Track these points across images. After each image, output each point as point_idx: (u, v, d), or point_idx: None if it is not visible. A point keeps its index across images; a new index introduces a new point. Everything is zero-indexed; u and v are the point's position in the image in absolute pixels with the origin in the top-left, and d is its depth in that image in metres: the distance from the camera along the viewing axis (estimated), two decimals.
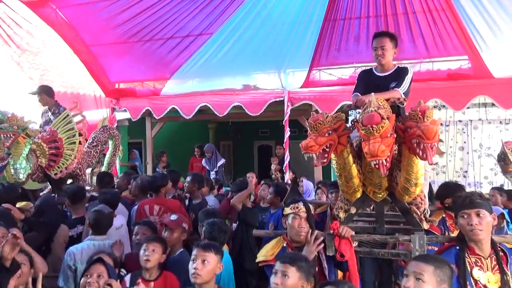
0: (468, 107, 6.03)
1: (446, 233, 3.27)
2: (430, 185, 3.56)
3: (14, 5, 5.26)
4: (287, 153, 6.42)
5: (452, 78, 5.57)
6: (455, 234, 3.29)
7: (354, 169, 2.65)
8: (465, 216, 2.14)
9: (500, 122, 6.57)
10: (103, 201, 3.62)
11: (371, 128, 2.22)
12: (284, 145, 6.54)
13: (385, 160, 2.22)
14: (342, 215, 2.87)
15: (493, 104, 5.87)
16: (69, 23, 5.68)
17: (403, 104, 2.83)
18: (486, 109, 6.52)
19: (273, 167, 7.51)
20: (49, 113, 5.06)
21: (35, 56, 6.02)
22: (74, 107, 5.03)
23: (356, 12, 5.44)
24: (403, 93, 2.86)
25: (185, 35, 6.07)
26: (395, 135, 2.38)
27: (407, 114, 2.50)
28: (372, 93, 2.53)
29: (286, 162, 6.41)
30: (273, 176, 7.28)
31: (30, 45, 5.89)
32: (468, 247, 2.16)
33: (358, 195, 2.81)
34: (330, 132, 2.50)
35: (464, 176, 6.64)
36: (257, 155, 12.89)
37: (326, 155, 2.51)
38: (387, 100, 2.67)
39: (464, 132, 6.73)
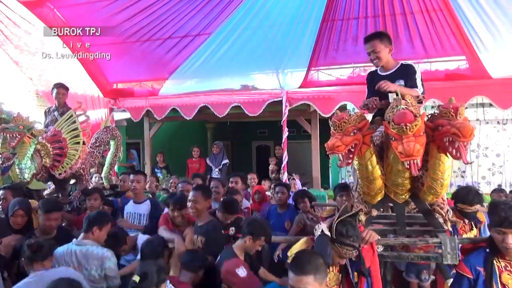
0: (466, 108, 6.04)
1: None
2: None
3: (12, 4, 5.26)
4: (285, 153, 6.42)
5: (450, 78, 5.58)
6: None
7: (377, 170, 2.55)
8: (501, 233, 2.04)
9: (498, 122, 6.59)
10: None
11: (404, 127, 2.13)
12: (282, 145, 6.53)
13: (418, 159, 2.15)
14: (362, 218, 2.75)
15: (490, 105, 5.89)
16: (67, 23, 5.66)
17: (421, 102, 2.78)
18: (484, 109, 6.54)
19: (271, 167, 7.53)
20: (56, 113, 5.09)
21: (33, 56, 6.02)
22: (78, 107, 5.04)
23: (354, 12, 5.45)
24: (421, 93, 2.82)
25: (183, 35, 6.07)
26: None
27: (437, 112, 2.41)
28: (398, 90, 2.45)
29: (284, 162, 6.41)
30: (272, 176, 7.30)
31: (28, 45, 5.89)
32: (498, 251, 2.10)
33: (380, 197, 2.69)
34: (355, 131, 2.40)
35: (462, 176, 6.66)
36: (256, 155, 12.89)
37: (351, 156, 2.42)
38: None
39: None
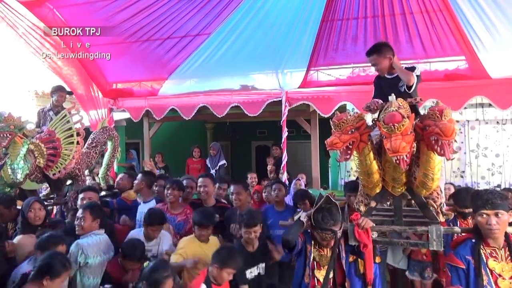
0: (465, 108, 6.06)
1: None
2: None
3: (12, 4, 5.26)
4: (284, 153, 6.42)
5: (449, 78, 5.57)
6: None
7: (375, 165, 2.84)
8: (484, 216, 2.23)
9: (497, 123, 6.61)
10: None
11: (392, 126, 2.42)
12: (282, 145, 6.53)
13: (406, 156, 2.41)
14: (362, 208, 3.06)
15: (490, 105, 5.89)
16: (67, 23, 5.66)
17: (419, 102, 3.01)
18: (483, 110, 6.55)
19: (269, 167, 7.52)
20: (51, 113, 5.13)
21: (33, 55, 6.02)
22: (72, 107, 5.05)
23: (354, 12, 5.44)
24: (416, 76, 3.04)
25: (183, 35, 6.06)
26: (414, 133, 2.54)
27: (425, 113, 2.67)
28: (393, 94, 2.72)
29: (284, 162, 6.40)
30: (270, 176, 7.30)
31: (29, 45, 5.89)
32: (483, 240, 2.27)
33: (378, 190, 2.97)
34: (353, 130, 2.70)
35: (462, 176, 6.67)
36: (255, 155, 12.90)
37: (349, 152, 2.72)
38: (405, 99, 2.84)
39: (461, 132, 6.74)
